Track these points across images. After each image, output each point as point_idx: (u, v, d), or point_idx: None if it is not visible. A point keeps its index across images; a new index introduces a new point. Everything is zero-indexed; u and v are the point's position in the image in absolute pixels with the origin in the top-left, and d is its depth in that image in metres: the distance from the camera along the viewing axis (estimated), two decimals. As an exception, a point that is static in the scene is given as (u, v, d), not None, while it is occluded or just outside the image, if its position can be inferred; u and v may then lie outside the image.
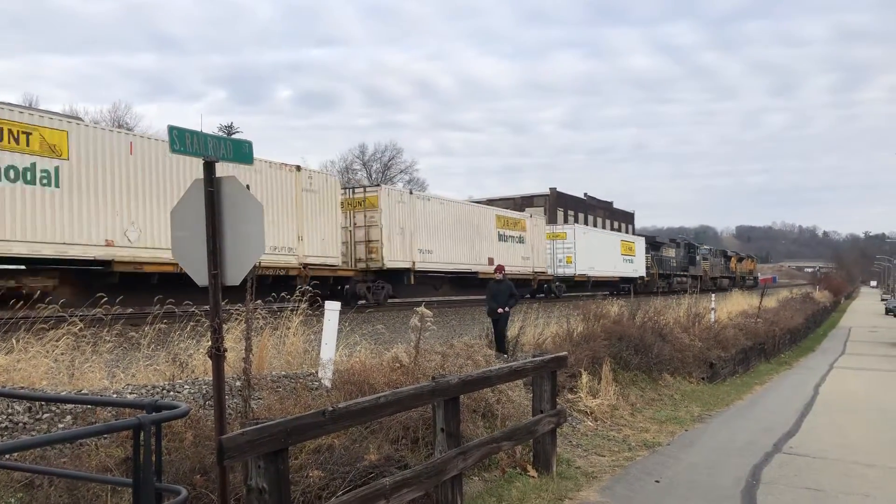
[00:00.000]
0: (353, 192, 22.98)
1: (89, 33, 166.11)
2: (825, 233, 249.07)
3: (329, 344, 7.89)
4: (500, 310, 12.14)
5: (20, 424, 5.70)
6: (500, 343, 11.88)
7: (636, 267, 43.93)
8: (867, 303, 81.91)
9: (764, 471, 8.38)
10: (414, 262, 23.60)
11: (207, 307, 8.09)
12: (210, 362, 4.96)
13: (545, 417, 7.69)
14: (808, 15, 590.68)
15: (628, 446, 9.46)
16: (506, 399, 8.72)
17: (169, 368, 7.47)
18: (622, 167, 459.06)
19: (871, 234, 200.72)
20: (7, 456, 4.10)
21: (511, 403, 8.79)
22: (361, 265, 22.12)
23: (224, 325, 5.47)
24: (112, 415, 5.75)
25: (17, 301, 8.40)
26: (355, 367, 8.09)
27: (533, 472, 7.55)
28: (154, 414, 3.53)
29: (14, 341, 7.00)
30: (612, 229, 66.99)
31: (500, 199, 59.51)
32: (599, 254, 38.19)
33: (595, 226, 63.57)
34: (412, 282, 23.71)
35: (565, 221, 55.14)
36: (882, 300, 74.23)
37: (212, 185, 4.76)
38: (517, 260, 30.32)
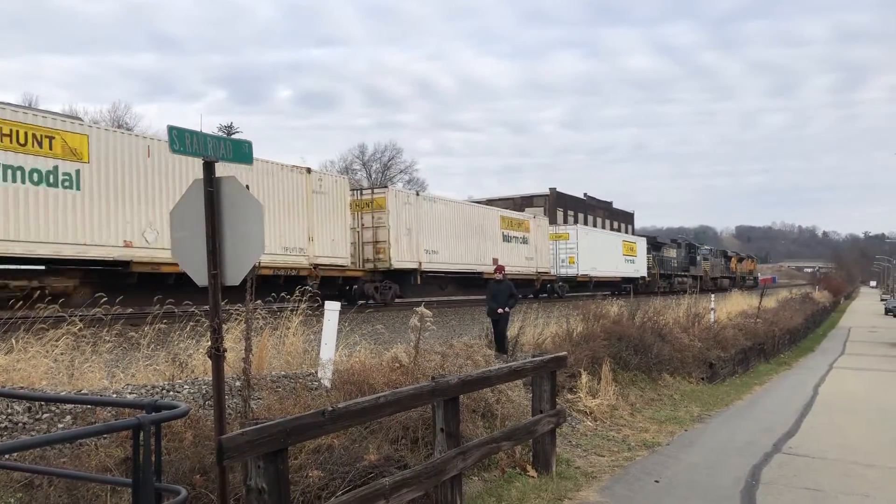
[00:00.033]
0: (362, 194, 23.33)
1: (89, 33, 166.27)
2: (825, 233, 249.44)
3: (329, 344, 7.89)
4: (500, 310, 12.12)
5: (20, 424, 5.70)
6: (501, 343, 11.86)
7: (638, 267, 44.14)
8: (867, 303, 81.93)
9: (763, 471, 8.39)
10: (420, 263, 23.93)
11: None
12: (210, 362, 4.96)
13: (545, 417, 7.69)
14: (807, 15, 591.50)
15: (628, 446, 9.46)
16: (505, 399, 8.72)
17: (169, 368, 7.47)
18: (622, 167, 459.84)
19: (870, 235, 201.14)
20: (7, 456, 4.10)
21: (511, 403, 8.79)
22: (369, 265, 22.43)
23: (224, 325, 5.48)
24: (112, 415, 5.75)
25: (40, 301, 8.51)
26: (355, 367, 8.09)
27: (532, 472, 7.55)
28: (154, 414, 3.53)
29: (14, 341, 6.99)
30: (612, 229, 67.03)
31: (500, 199, 59.47)
32: (602, 254, 38.42)
33: (595, 226, 63.58)
34: (419, 282, 24.03)
35: (565, 221, 55.17)
36: (881, 300, 74.24)
37: (211, 185, 4.76)
38: (521, 260, 30.63)
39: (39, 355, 6.86)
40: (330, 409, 4.81)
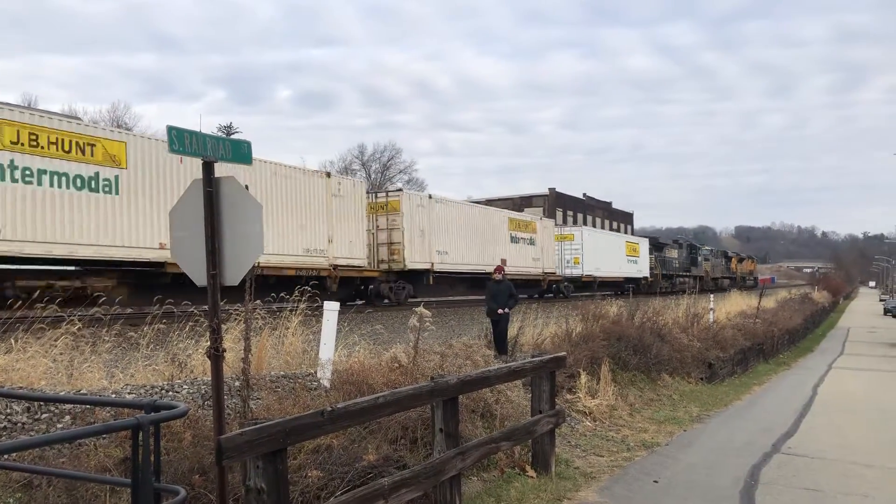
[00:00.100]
0: (376, 197, 24.01)
1: (89, 33, 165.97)
2: (824, 233, 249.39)
3: (328, 344, 7.89)
4: (500, 310, 12.05)
5: (19, 424, 5.69)
6: (501, 344, 11.80)
7: (640, 268, 44.53)
8: (866, 303, 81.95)
9: (762, 471, 8.39)
10: (432, 264, 24.61)
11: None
12: (209, 362, 4.96)
13: (544, 418, 7.69)
14: (807, 15, 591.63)
15: (627, 446, 9.46)
16: (504, 399, 8.73)
17: (168, 368, 7.47)
18: (621, 167, 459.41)
19: (869, 235, 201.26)
20: (6, 456, 4.10)
21: (510, 404, 8.79)
22: (384, 266, 23.11)
23: (223, 326, 5.47)
24: (111, 415, 5.75)
25: (80, 301, 8.71)
26: (354, 368, 8.08)
27: (531, 473, 7.55)
28: (153, 414, 3.53)
29: (13, 341, 6.99)
30: (611, 229, 67.11)
31: (499, 200, 59.48)
32: (606, 255, 38.86)
33: (594, 226, 63.63)
34: (431, 282, 24.75)
35: (564, 222, 55.23)
36: (880, 300, 74.28)
37: (210, 186, 4.76)
38: (528, 261, 31.29)
39: (38, 355, 6.86)
40: (329, 409, 4.81)
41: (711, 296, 25.43)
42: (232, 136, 33.25)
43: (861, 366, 22.00)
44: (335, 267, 20.26)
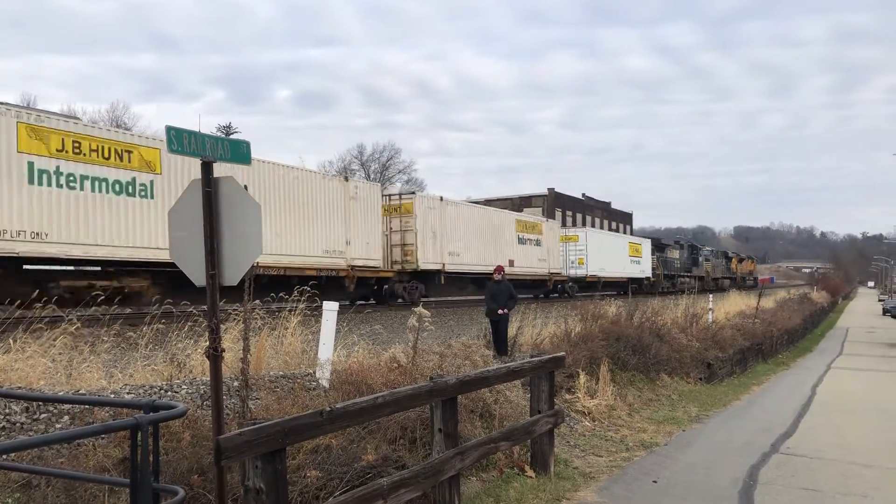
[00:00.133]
0: (390, 199, 24.63)
1: (89, 33, 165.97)
2: (823, 233, 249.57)
3: (327, 344, 7.89)
4: (499, 311, 12.05)
5: (17, 424, 5.69)
6: (501, 345, 11.78)
7: (643, 268, 44.97)
8: (865, 303, 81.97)
9: (761, 471, 8.40)
10: (444, 264, 25.22)
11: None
12: (208, 362, 4.96)
13: (543, 418, 7.69)
14: (807, 15, 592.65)
15: (626, 446, 9.47)
16: (503, 399, 8.73)
17: (167, 368, 7.46)
18: (620, 167, 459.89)
19: (868, 235, 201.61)
20: (4, 456, 4.09)
21: (509, 404, 8.80)
22: (397, 267, 23.70)
23: (222, 325, 5.47)
24: (110, 415, 5.74)
25: (118, 300, 8.93)
26: (353, 368, 8.08)
27: (530, 473, 7.55)
28: (151, 414, 3.53)
29: (11, 341, 6.98)
30: (611, 230, 67.20)
31: (498, 200, 59.49)
32: (609, 255, 39.29)
33: (593, 226, 63.66)
34: (442, 282, 25.39)
35: (563, 222, 55.29)
36: (879, 301, 74.28)
37: (209, 186, 4.76)
38: (534, 262, 31.93)
39: (37, 355, 6.85)
40: (328, 409, 4.81)
41: (710, 296, 25.42)
42: (231, 136, 33.29)
43: (860, 366, 22.01)
44: (352, 267, 20.97)
